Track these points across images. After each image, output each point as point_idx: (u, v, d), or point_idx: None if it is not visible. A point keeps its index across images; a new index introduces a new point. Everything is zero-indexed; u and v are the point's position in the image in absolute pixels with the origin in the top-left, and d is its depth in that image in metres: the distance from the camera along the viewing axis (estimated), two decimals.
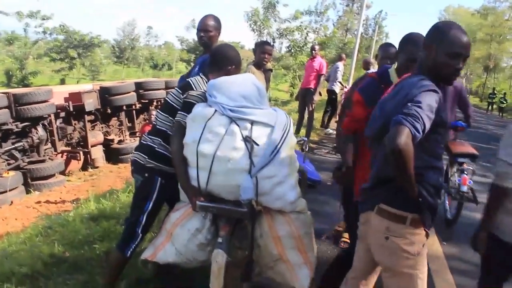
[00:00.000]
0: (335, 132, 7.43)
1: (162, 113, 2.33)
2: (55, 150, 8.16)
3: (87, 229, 3.44)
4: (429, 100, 1.60)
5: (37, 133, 7.56)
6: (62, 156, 8.47)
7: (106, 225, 3.47)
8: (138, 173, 2.33)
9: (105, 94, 9.19)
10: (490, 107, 28.32)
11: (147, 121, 8.01)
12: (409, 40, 2.23)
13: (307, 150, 3.56)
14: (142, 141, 2.42)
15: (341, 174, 2.44)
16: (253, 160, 2.01)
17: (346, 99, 3.88)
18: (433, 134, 1.66)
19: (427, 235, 1.78)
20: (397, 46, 2.42)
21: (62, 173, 8.13)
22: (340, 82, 9.25)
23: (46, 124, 7.86)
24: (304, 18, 20.30)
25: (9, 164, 7.17)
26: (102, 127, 9.53)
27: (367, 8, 22.43)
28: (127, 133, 10.15)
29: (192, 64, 3.42)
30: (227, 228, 2.12)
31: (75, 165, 8.78)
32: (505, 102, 26.43)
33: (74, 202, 5.98)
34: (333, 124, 9.45)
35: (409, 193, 1.67)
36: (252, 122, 2.08)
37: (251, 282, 2.24)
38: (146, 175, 2.29)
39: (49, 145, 8.07)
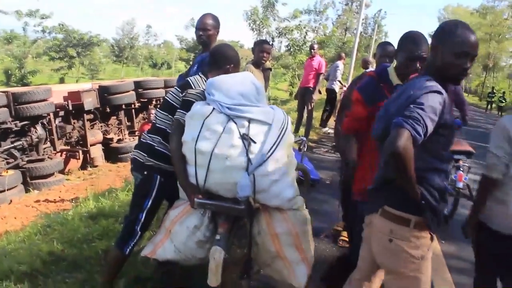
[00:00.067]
0: (333, 131, 7.43)
1: (162, 112, 2.34)
2: (54, 149, 8.16)
3: (86, 227, 3.45)
4: (432, 102, 1.58)
5: (36, 132, 7.56)
6: (61, 155, 8.49)
7: (105, 224, 3.48)
8: (137, 171, 2.34)
9: (104, 93, 9.21)
10: (489, 106, 28.31)
11: (146, 120, 8.03)
12: (408, 38, 2.22)
13: (305, 149, 3.56)
14: (141, 139, 2.43)
15: (350, 171, 2.42)
16: (250, 158, 2.01)
17: (344, 98, 3.88)
18: (435, 135, 1.63)
19: (432, 239, 1.75)
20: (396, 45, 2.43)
21: (61, 172, 8.15)
22: (339, 81, 9.24)
23: (45, 123, 7.87)
24: (303, 17, 20.33)
25: (8, 163, 7.17)
26: (101, 126, 9.54)
27: (366, 7, 22.35)
28: (126, 132, 10.16)
29: (191, 63, 3.42)
30: (226, 225, 2.13)
31: (74, 164, 8.79)
32: (504, 101, 26.41)
33: (73, 201, 5.98)
34: (331, 123, 9.45)
35: (410, 195, 1.65)
36: (250, 120, 2.08)
37: (249, 279, 2.25)
38: (146, 173, 2.30)
39: (48, 144, 8.07)
